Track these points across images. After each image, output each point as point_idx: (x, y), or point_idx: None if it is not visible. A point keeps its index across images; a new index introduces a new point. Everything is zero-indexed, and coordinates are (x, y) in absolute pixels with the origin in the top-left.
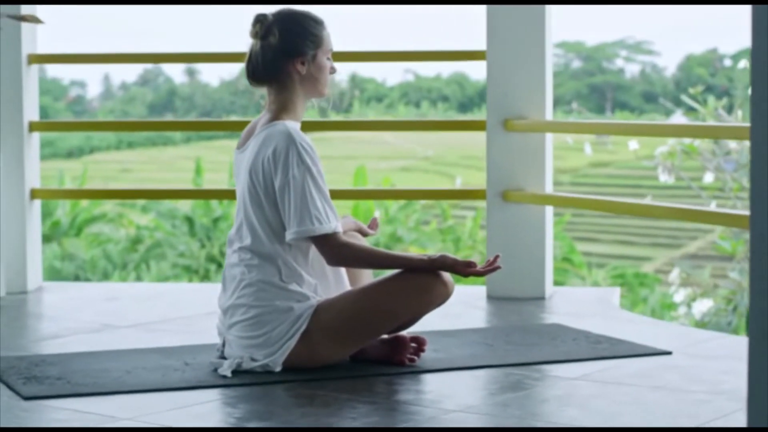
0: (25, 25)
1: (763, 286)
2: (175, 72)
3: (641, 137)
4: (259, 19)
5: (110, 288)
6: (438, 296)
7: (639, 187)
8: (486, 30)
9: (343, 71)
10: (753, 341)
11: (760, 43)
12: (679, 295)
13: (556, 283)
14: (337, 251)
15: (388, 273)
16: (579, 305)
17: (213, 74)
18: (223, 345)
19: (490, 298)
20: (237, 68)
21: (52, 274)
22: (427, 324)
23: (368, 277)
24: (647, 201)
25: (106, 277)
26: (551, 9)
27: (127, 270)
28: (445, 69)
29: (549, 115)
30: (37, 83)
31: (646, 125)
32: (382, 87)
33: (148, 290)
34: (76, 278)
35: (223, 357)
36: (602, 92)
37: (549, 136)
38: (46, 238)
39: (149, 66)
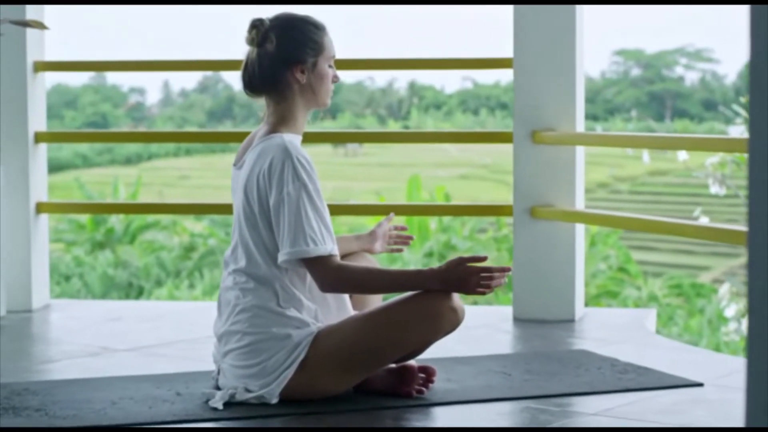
0: (30, 32)
1: (762, 285)
2: (235, 79)
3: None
4: (255, 25)
5: (117, 307)
6: (446, 324)
7: (697, 196)
8: (513, 35)
9: (402, 78)
10: (752, 340)
11: (760, 45)
12: (731, 310)
13: (611, 293)
14: (331, 275)
15: (395, 297)
16: (610, 329)
17: None
18: (219, 374)
19: (517, 320)
20: None
21: (105, 281)
22: (444, 350)
23: (377, 300)
24: (699, 219)
25: (159, 284)
26: (582, 13)
27: (180, 278)
28: (505, 76)
29: (580, 126)
30: (44, 92)
31: (680, 138)
32: (441, 94)
33: (155, 309)
34: (129, 285)
35: (218, 387)
36: (662, 100)
37: (580, 149)
38: (100, 245)
39: (209, 73)
